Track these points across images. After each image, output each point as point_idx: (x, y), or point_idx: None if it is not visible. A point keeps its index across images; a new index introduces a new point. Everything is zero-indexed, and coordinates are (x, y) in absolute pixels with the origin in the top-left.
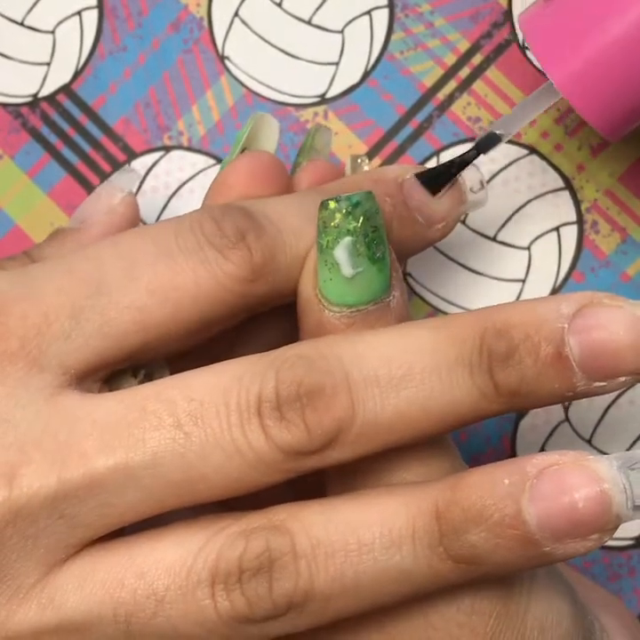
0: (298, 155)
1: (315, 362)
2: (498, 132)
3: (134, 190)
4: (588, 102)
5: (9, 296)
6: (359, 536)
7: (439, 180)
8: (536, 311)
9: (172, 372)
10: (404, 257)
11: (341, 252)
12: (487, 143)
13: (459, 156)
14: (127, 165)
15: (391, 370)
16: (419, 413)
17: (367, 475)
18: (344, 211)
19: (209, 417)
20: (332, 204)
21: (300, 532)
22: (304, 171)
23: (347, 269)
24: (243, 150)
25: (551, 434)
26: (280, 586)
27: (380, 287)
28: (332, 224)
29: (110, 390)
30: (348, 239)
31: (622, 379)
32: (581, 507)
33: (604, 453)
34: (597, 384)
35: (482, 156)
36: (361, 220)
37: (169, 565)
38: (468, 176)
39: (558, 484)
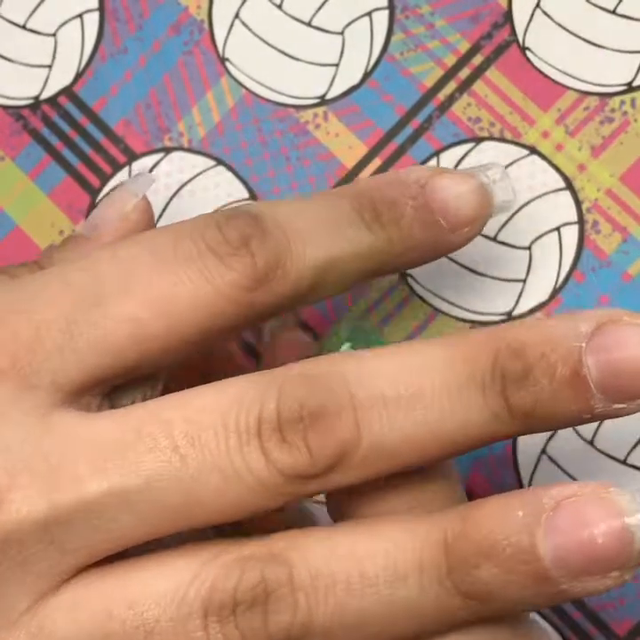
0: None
1: (318, 381)
2: None
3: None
4: None
5: (1, 310)
6: (362, 568)
7: None
8: (552, 329)
9: (174, 379)
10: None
11: None
12: None
13: None
14: (142, 170)
15: (399, 390)
16: (427, 436)
17: (363, 499)
18: None
19: (207, 439)
20: None
21: (298, 563)
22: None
23: None
24: None
25: (552, 436)
26: (276, 619)
27: None
28: None
29: (112, 406)
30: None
31: None
32: (600, 542)
33: (607, 456)
34: (616, 406)
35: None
36: None
37: (160, 595)
38: (499, 190)
39: (576, 517)
